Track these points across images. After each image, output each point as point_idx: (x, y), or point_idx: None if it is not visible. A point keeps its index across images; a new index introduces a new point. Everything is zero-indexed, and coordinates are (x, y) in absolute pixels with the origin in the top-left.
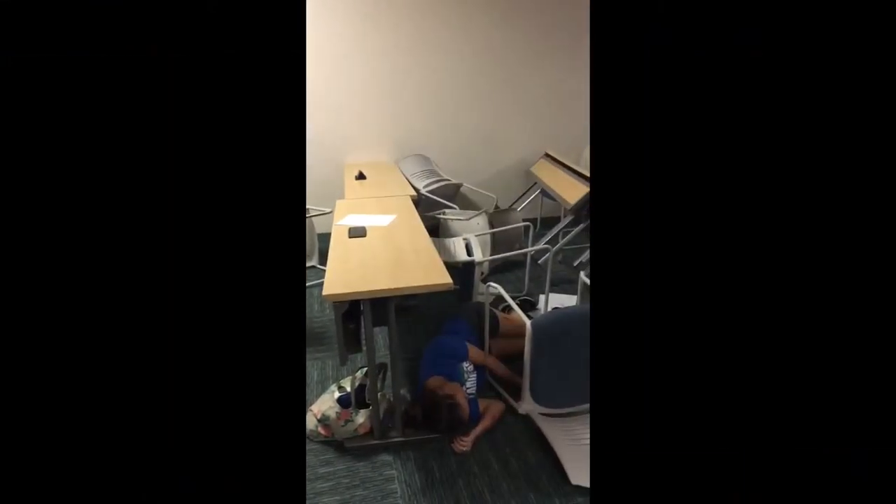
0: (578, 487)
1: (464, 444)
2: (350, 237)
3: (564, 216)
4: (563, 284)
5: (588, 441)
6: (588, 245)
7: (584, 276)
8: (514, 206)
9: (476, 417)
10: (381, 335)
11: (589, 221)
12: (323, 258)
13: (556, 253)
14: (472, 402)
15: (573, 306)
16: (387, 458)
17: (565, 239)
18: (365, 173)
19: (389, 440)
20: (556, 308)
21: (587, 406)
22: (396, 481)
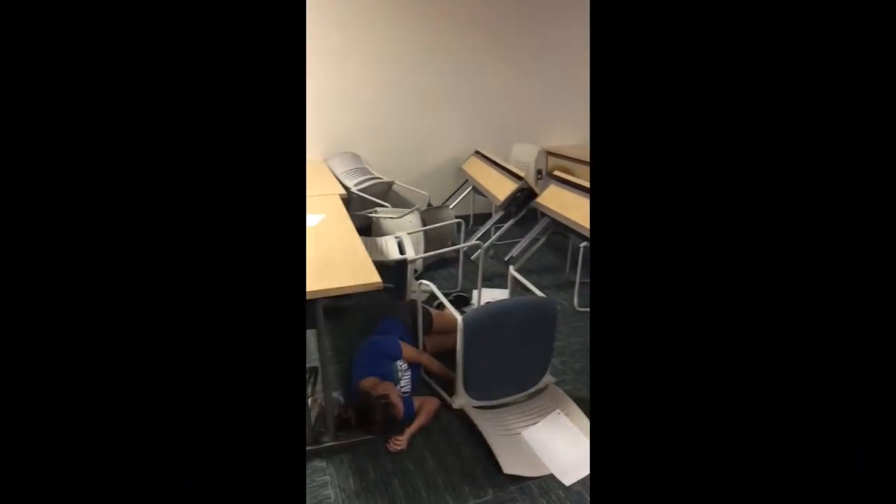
0: (511, 476)
1: (399, 443)
2: None
3: (495, 212)
4: (496, 279)
5: (519, 430)
6: (518, 240)
7: (512, 270)
8: (447, 204)
9: (411, 416)
10: (311, 338)
11: (519, 216)
12: None
13: (488, 249)
14: (407, 401)
15: (503, 300)
16: (319, 464)
17: (496, 234)
18: None
19: (321, 445)
20: (488, 303)
21: (519, 396)
22: (330, 486)
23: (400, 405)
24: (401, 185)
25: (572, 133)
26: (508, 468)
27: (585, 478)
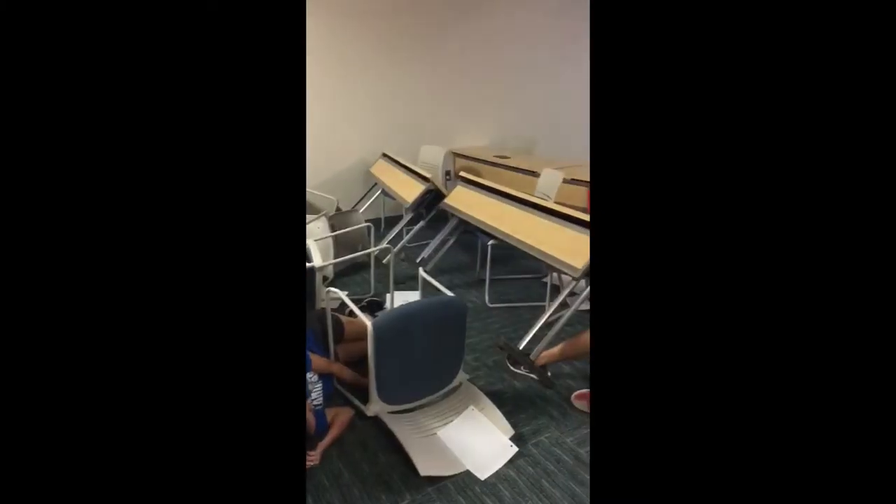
0: (429, 478)
1: (311, 458)
2: None
3: (406, 214)
4: (409, 281)
5: (434, 430)
6: (429, 241)
7: (422, 272)
8: (356, 208)
9: (324, 429)
10: None
11: (428, 218)
12: None
13: (400, 251)
14: (319, 414)
15: (412, 302)
16: None
17: (407, 237)
18: None
19: None
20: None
21: (433, 397)
22: None
23: (311, 419)
24: (308, 191)
25: (479, 134)
26: (425, 470)
27: (501, 470)
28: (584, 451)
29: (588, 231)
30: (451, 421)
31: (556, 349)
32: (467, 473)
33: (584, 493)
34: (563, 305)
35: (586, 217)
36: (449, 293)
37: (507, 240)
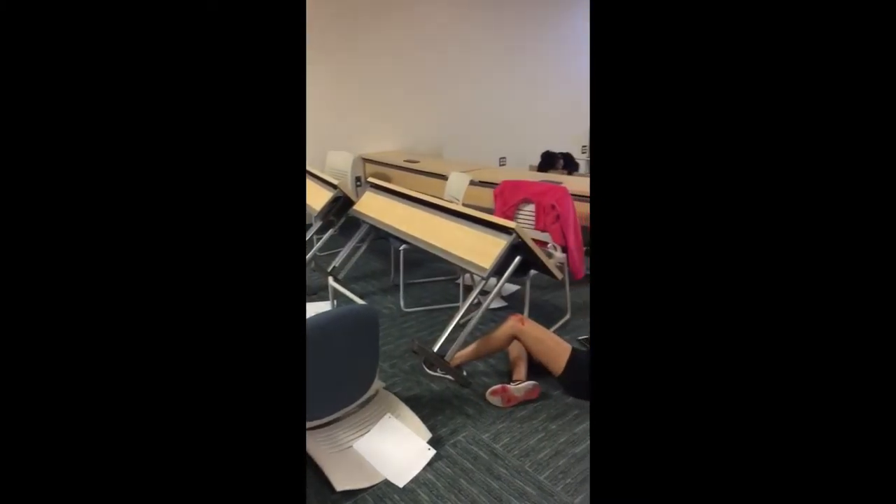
0: (345, 492)
1: None
2: None
3: (315, 222)
4: (321, 292)
5: (350, 443)
6: (340, 249)
7: (331, 281)
8: None
9: None
10: None
11: (338, 225)
12: None
13: (310, 261)
14: None
15: (321, 313)
16: None
17: (318, 245)
18: None
19: None
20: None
21: (349, 408)
22: None
23: None
24: None
25: (389, 139)
26: (340, 485)
27: (419, 474)
28: (500, 446)
29: (494, 231)
30: (368, 431)
31: (469, 348)
32: (385, 483)
33: (501, 487)
34: (476, 305)
35: (493, 218)
36: (360, 301)
37: (418, 244)
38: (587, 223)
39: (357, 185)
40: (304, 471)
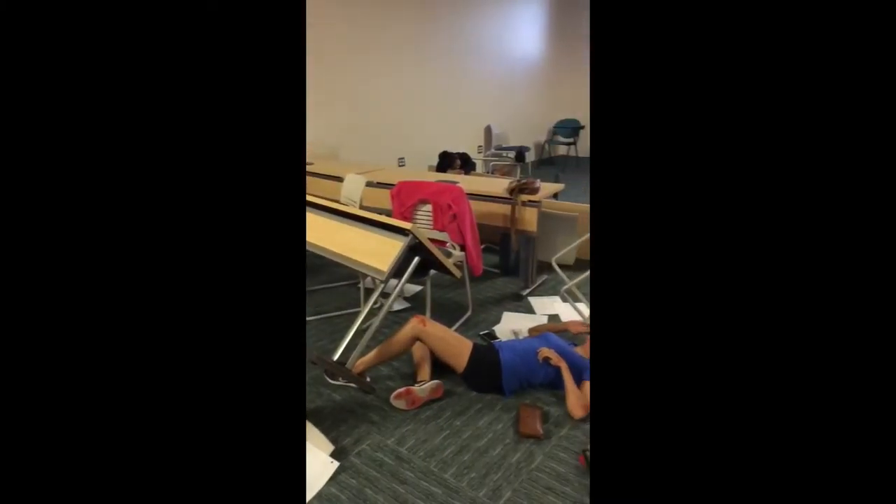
0: None
1: None
2: None
3: None
4: None
5: None
6: None
7: None
8: None
9: None
10: None
11: None
12: None
13: None
14: None
15: None
16: None
17: None
18: None
19: None
20: None
21: None
22: None
23: None
24: None
25: None
26: None
27: (322, 489)
28: (405, 449)
29: (391, 233)
30: None
31: (372, 353)
32: None
33: (407, 491)
34: (378, 308)
35: (389, 220)
36: None
37: (315, 250)
38: (485, 221)
39: None
40: (304, 471)
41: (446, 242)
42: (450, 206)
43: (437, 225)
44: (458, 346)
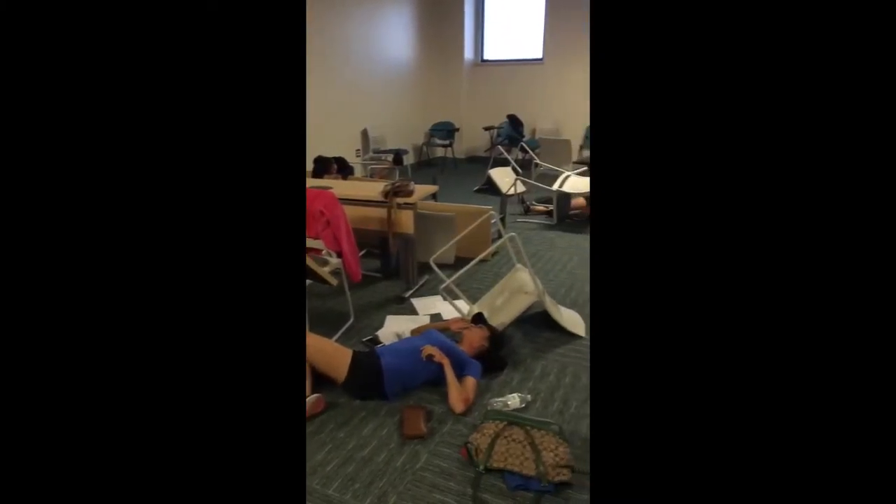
0: None
1: None
2: None
3: None
4: None
5: None
6: None
7: None
8: None
9: None
10: None
11: None
12: None
13: None
14: None
15: None
16: None
17: None
18: None
19: None
20: None
21: None
22: None
23: None
24: None
25: None
26: None
27: None
28: None
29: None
30: None
31: None
32: None
33: None
34: None
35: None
36: None
37: None
38: (362, 226)
39: None
40: (304, 470)
41: (321, 250)
42: (322, 213)
43: (311, 232)
44: (336, 356)
